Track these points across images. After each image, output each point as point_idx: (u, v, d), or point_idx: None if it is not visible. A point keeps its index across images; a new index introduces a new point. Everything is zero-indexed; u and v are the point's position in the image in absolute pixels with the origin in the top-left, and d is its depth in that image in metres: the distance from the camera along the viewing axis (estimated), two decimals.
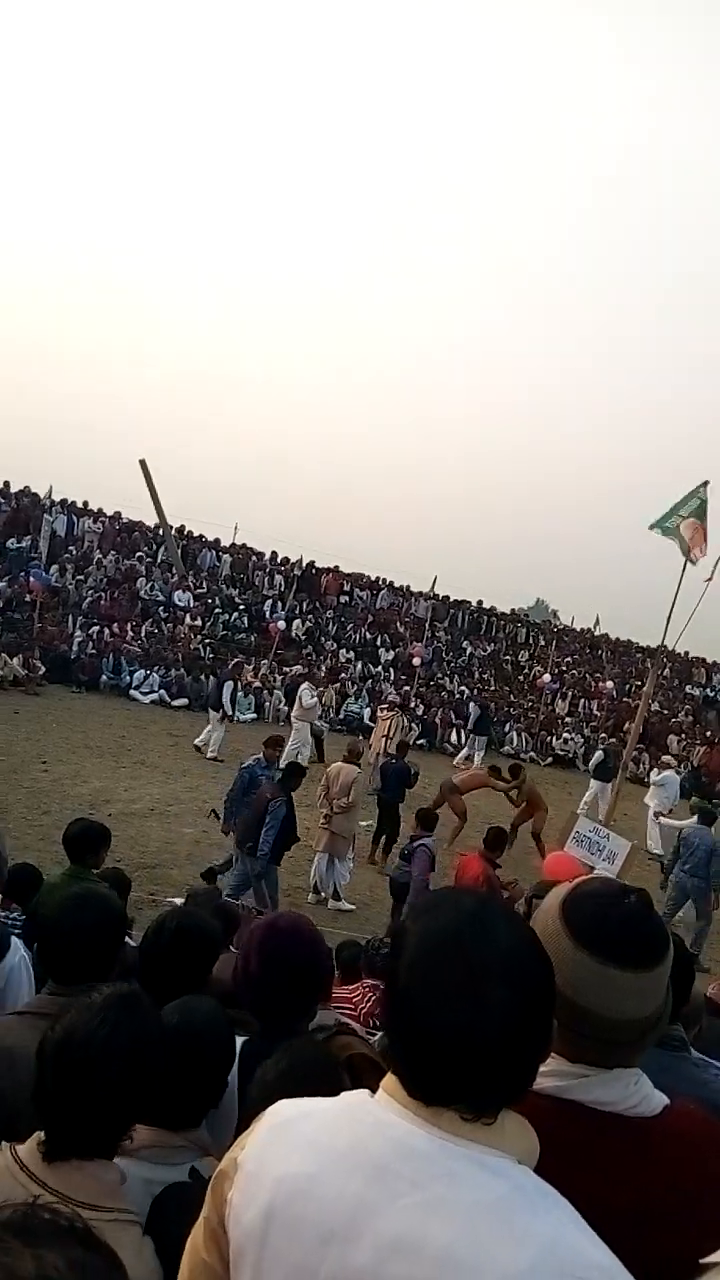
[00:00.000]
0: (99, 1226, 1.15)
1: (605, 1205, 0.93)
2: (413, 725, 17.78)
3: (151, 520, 21.95)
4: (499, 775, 11.04)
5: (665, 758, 16.68)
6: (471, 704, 18.77)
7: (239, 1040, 1.75)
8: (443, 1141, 0.85)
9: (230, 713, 13.50)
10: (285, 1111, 0.95)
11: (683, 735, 22.05)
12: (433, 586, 24.63)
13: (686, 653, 26.10)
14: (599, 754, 15.33)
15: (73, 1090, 1.28)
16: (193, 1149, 1.50)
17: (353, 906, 8.12)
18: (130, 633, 18.15)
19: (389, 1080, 0.92)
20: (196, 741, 13.15)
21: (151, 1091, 1.38)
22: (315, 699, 13.62)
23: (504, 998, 0.86)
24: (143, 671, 16.69)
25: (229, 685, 13.55)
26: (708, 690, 26.04)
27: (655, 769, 14.70)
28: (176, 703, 16.38)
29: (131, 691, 16.32)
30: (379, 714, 14.57)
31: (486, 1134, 0.86)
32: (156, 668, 16.90)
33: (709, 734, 22.36)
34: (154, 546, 21.83)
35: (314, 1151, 0.88)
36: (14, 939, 2.52)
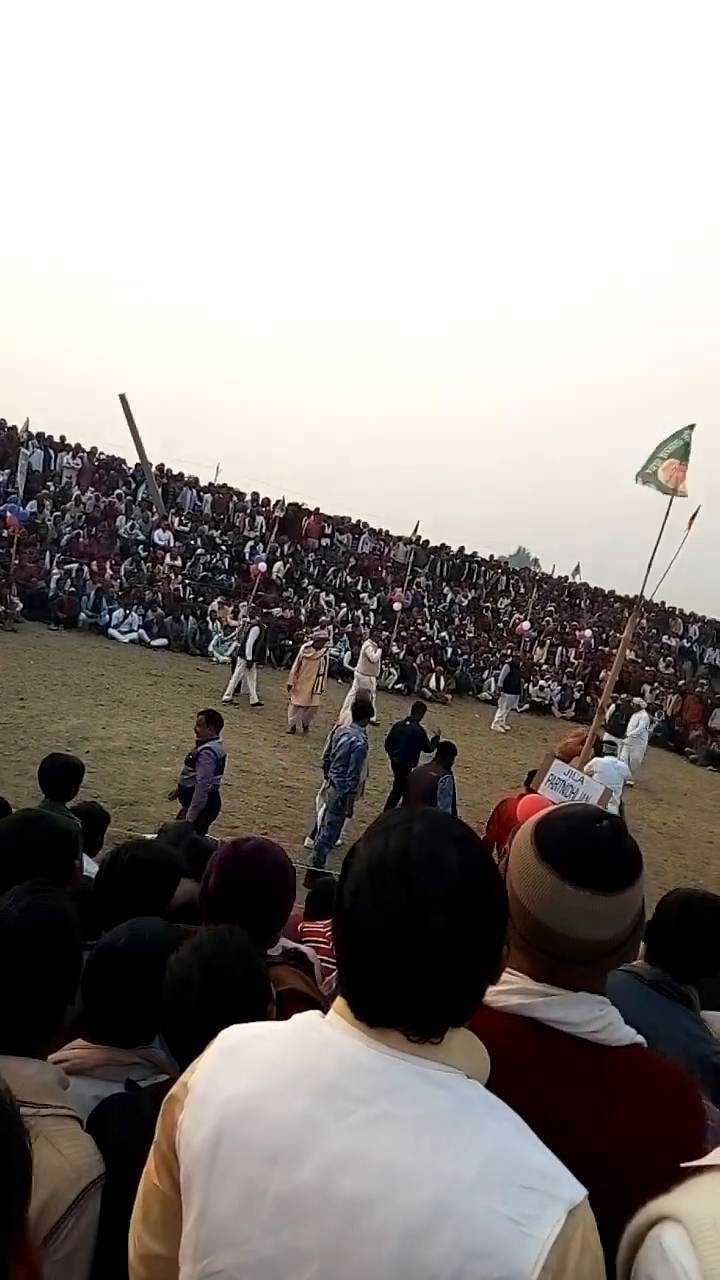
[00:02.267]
0: (34, 1122, 1.16)
1: (558, 1125, 0.93)
2: (391, 669, 17.87)
3: (131, 457, 21.55)
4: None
5: (636, 700, 16.77)
6: (504, 664, 18.45)
7: None
8: (390, 1057, 0.86)
9: (250, 658, 13.37)
10: (235, 1035, 0.95)
11: (655, 684, 22.32)
12: (415, 531, 24.48)
13: (663, 603, 26.28)
14: (505, 667, 17.34)
15: None
16: (146, 1065, 1.52)
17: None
18: (109, 571, 17.97)
19: (339, 1002, 0.92)
20: (226, 695, 12.85)
21: (72, 979, 1.38)
22: (379, 653, 13.32)
23: (445, 925, 0.85)
24: (122, 610, 16.58)
25: (254, 631, 13.53)
26: (684, 641, 26.28)
27: (631, 715, 14.90)
28: (156, 642, 16.33)
29: (110, 630, 16.21)
30: (302, 654, 12.42)
31: (433, 1050, 0.87)
32: (136, 607, 16.80)
33: (681, 683, 22.64)
34: (134, 484, 21.45)
35: (263, 1072, 0.88)
36: None
